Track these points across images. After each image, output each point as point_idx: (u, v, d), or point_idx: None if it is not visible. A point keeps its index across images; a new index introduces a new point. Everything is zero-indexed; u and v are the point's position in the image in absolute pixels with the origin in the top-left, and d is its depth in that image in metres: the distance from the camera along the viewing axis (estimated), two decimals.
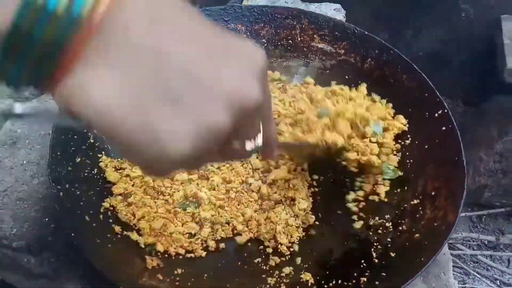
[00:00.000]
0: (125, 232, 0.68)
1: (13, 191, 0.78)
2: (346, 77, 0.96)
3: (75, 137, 0.74)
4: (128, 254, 0.65)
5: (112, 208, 0.71)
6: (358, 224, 0.75)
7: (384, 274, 0.62)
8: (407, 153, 0.82)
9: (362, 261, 0.67)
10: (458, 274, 1.04)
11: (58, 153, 0.70)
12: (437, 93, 0.82)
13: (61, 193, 0.65)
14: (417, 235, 0.67)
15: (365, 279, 0.63)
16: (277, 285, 0.66)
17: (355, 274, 0.64)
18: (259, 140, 0.39)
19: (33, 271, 0.75)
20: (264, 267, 0.69)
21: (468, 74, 1.42)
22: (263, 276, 0.68)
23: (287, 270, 0.68)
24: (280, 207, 0.76)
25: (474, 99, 1.44)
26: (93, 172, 0.74)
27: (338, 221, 0.77)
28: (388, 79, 0.91)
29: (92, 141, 0.77)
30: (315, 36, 1.00)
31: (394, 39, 0.92)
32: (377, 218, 0.75)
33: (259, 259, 0.70)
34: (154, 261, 0.65)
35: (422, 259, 0.61)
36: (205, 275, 0.67)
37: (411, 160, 0.81)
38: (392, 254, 0.66)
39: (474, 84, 1.43)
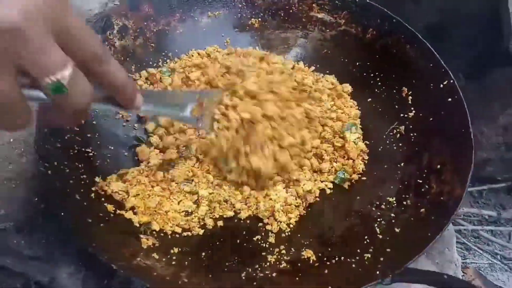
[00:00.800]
0: (118, 211, 0.65)
1: (1, 170, 0.74)
2: (347, 49, 0.92)
3: None
4: (122, 234, 0.62)
5: (104, 186, 0.67)
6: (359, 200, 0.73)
7: (389, 250, 0.60)
8: (410, 126, 0.79)
9: (366, 237, 0.65)
10: (459, 249, 1.03)
11: (45, 130, 0.66)
12: (443, 63, 0.79)
13: (49, 171, 0.62)
14: (422, 210, 0.65)
15: (369, 255, 0.60)
16: (277, 262, 0.63)
17: (358, 250, 0.62)
18: (55, 76, 0.36)
19: (23, 252, 0.72)
20: (264, 245, 0.67)
21: (469, 46, 1.38)
22: (263, 254, 0.65)
23: (287, 247, 0.66)
24: (280, 185, 0.73)
25: (476, 72, 1.40)
26: (83, 149, 0.71)
27: (339, 197, 0.75)
28: (390, 50, 0.87)
29: None
30: (314, 5, 0.95)
31: (393, 11, 0.88)
32: (379, 193, 0.73)
33: (258, 237, 0.68)
34: (150, 240, 0.62)
35: (429, 234, 0.58)
36: (203, 253, 0.64)
37: (415, 134, 0.78)
38: (397, 230, 0.64)
39: (476, 57, 1.38)
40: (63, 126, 0.64)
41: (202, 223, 0.69)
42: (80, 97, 0.39)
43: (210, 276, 0.59)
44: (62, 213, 0.57)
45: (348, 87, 0.88)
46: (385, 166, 0.77)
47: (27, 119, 0.39)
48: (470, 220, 1.11)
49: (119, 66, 0.44)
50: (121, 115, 0.80)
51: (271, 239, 0.67)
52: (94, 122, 0.76)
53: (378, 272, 0.55)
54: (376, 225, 0.67)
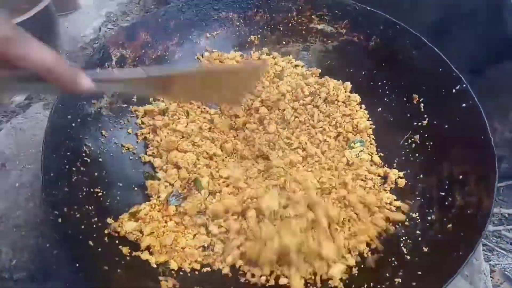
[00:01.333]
0: (134, 253, 0.63)
1: (8, 217, 0.72)
2: (351, 58, 0.90)
3: (68, 153, 0.68)
4: (140, 278, 0.60)
5: (117, 227, 0.65)
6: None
7: (420, 273, 0.57)
8: (426, 135, 0.77)
9: (393, 258, 0.62)
10: (482, 251, 1.00)
11: (52, 174, 0.64)
12: (453, 67, 0.76)
13: (60, 219, 0.59)
14: (449, 225, 0.62)
15: (399, 280, 0.58)
16: None
17: (387, 274, 0.59)
18: None
19: None
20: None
21: (472, 41, 1.35)
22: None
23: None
24: None
25: (480, 67, 1.37)
26: (91, 190, 0.68)
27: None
28: (396, 57, 0.84)
29: (84, 155, 0.70)
30: (313, 16, 0.93)
31: (391, 12, 0.86)
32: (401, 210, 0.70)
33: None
34: (169, 281, 0.60)
35: (460, 253, 0.55)
36: None
37: (431, 142, 0.75)
38: (425, 249, 0.61)
39: (479, 52, 1.35)
40: None
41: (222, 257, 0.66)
42: None
43: None
44: (77, 264, 0.55)
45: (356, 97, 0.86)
46: (403, 179, 0.74)
47: None
48: (490, 220, 1.08)
49: (44, 47, 0.42)
50: (126, 149, 0.78)
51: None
52: (101, 160, 0.73)
53: None
54: (402, 245, 0.64)
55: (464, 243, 0.57)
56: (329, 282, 0.61)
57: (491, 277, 0.89)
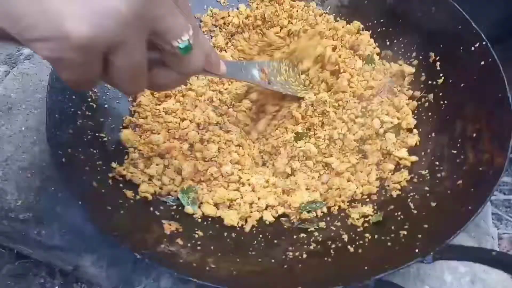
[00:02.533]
0: (137, 196, 0.63)
1: (14, 160, 0.72)
2: (367, 14, 0.87)
3: (73, 97, 0.67)
4: (143, 220, 0.60)
5: (122, 171, 0.65)
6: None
7: (426, 226, 0.56)
8: (440, 94, 0.74)
9: (399, 213, 0.61)
10: (490, 216, 0.98)
11: (57, 116, 0.63)
12: (473, 24, 0.73)
13: (64, 159, 0.59)
14: (459, 181, 0.60)
15: (404, 232, 0.57)
16: (307, 243, 0.60)
17: (393, 227, 0.59)
18: (185, 37, 0.38)
19: (45, 243, 0.70)
20: (292, 225, 0.64)
21: (493, 6, 1.29)
22: (291, 234, 0.62)
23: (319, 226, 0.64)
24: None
25: (501, 34, 1.31)
26: (96, 134, 0.68)
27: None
28: (414, 13, 0.81)
29: (90, 100, 0.70)
30: None
31: None
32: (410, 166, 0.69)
33: (285, 218, 0.65)
34: (172, 225, 0.60)
35: (470, 207, 0.54)
36: (228, 236, 0.62)
37: (445, 102, 0.73)
38: (433, 204, 0.60)
39: (500, 18, 1.30)
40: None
41: None
42: (199, 58, 0.42)
43: (237, 260, 0.56)
44: (80, 202, 0.55)
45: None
46: (415, 137, 0.72)
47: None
48: (501, 189, 1.06)
49: (204, 36, 0.47)
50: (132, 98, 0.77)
51: (299, 216, 0.64)
52: (106, 106, 0.72)
53: (417, 250, 0.51)
54: (409, 200, 0.63)
55: (474, 198, 0.56)
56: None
57: (498, 244, 0.88)
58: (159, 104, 0.76)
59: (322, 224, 0.64)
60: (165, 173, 0.67)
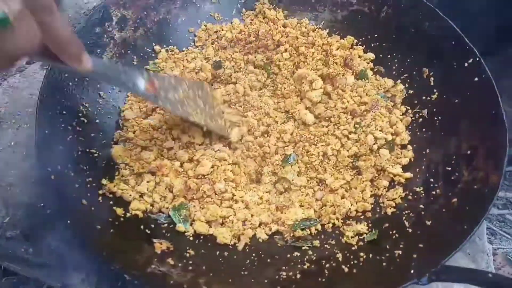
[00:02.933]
0: (128, 214, 0.62)
1: (3, 176, 0.71)
2: (360, 30, 0.87)
3: (64, 112, 0.66)
4: (134, 239, 0.58)
5: (112, 188, 0.64)
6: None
7: (422, 246, 0.55)
8: (434, 109, 0.74)
9: (394, 231, 0.61)
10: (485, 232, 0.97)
11: (46, 132, 0.62)
12: (466, 40, 0.73)
13: (53, 176, 0.58)
14: (454, 200, 0.60)
15: (400, 251, 0.56)
16: (301, 262, 0.59)
17: (387, 246, 0.58)
18: (4, 8, 0.34)
19: (32, 260, 0.68)
20: (285, 244, 0.63)
21: (484, 20, 1.30)
22: (284, 253, 0.61)
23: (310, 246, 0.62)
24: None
25: (492, 48, 1.32)
26: (87, 150, 0.66)
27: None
28: (408, 29, 0.81)
29: (81, 115, 0.68)
30: None
31: None
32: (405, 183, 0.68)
33: (279, 236, 0.64)
34: (163, 244, 0.59)
35: (465, 226, 0.53)
36: (220, 255, 0.61)
37: (439, 117, 0.72)
38: (428, 222, 0.59)
39: (491, 32, 1.31)
40: None
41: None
42: (25, 38, 0.38)
43: (230, 280, 0.55)
44: (69, 221, 0.53)
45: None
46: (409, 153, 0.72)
47: None
48: (495, 204, 1.06)
49: (66, 22, 0.44)
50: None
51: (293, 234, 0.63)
52: (98, 121, 0.71)
53: (412, 271, 0.50)
54: (404, 218, 0.62)
55: (469, 217, 0.55)
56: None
57: (493, 259, 0.87)
58: (146, 119, 0.75)
59: (316, 243, 0.63)
60: (156, 190, 0.66)
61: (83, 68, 0.49)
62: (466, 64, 0.71)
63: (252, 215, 0.66)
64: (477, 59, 0.70)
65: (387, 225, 0.63)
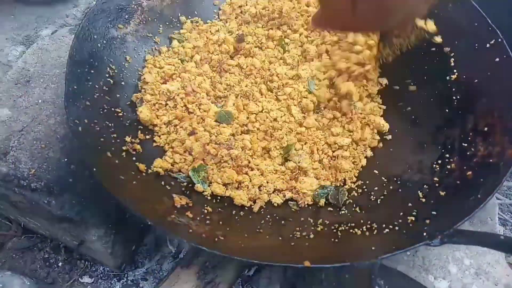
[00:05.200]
0: (150, 170, 0.64)
1: (29, 131, 0.73)
2: None
3: (92, 71, 0.68)
4: (155, 192, 0.60)
5: (136, 145, 0.66)
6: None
7: (435, 213, 0.56)
8: (453, 89, 0.74)
9: (407, 201, 0.62)
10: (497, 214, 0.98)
11: (75, 87, 0.64)
12: (489, 21, 0.73)
13: (80, 128, 0.60)
14: (469, 173, 0.61)
15: (412, 218, 0.57)
16: (314, 224, 0.61)
17: (401, 213, 0.59)
18: None
19: (54, 213, 0.71)
20: (300, 207, 0.65)
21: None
22: (299, 216, 0.63)
23: (323, 210, 0.64)
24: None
25: None
26: (112, 109, 0.69)
27: (374, 162, 0.72)
28: (431, 10, 0.81)
29: (108, 76, 0.71)
30: None
31: None
32: (419, 158, 0.69)
33: (294, 202, 0.66)
34: (183, 199, 0.60)
35: (479, 196, 0.54)
36: (236, 214, 0.63)
37: (458, 96, 0.73)
38: (442, 193, 0.60)
39: None
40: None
41: None
42: None
43: (245, 235, 0.57)
44: (94, 169, 0.56)
45: None
46: (426, 130, 0.73)
47: None
48: (507, 194, 1.06)
49: None
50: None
51: (307, 202, 0.65)
52: (123, 83, 0.74)
53: (425, 234, 0.52)
54: (418, 190, 0.63)
55: (484, 187, 0.56)
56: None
57: None
58: (164, 83, 0.77)
59: (330, 209, 0.64)
60: (176, 150, 0.68)
61: None
62: (487, 45, 0.72)
63: (267, 182, 0.68)
64: (499, 40, 0.71)
65: (400, 195, 0.64)
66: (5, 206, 0.79)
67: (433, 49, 0.79)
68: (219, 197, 0.65)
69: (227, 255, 0.48)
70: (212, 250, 0.48)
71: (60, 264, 0.90)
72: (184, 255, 0.84)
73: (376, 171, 0.71)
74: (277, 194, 0.68)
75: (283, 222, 0.62)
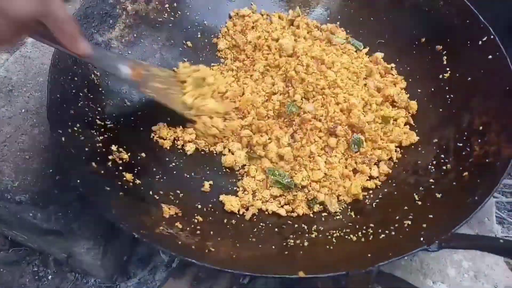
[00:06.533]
0: (137, 181, 0.61)
1: (13, 141, 0.71)
2: (373, 8, 0.86)
3: (75, 79, 0.66)
4: (142, 203, 0.58)
5: (123, 155, 0.64)
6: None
7: (431, 216, 0.55)
8: (446, 88, 0.73)
9: (403, 204, 0.60)
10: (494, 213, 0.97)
11: (58, 96, 0.62)
12: (481, 18, 0.72)
13: (63, 138, 0.58)
14: (465, 173, 0.59)
15: (409, 222, 0.55)
16: (308, 231, 0.59)
17: (397, 217, 0.57)
18: None
19: (40, 226, 0.69)
20: (293, 214, 0.63)
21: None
22: (292, 222, 0.61)
23: (317, 216, 0.62)
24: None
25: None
26: (97, 117, 0.66)
27: None
28: (422, 7, 0.80)
29: (92, 83, 0.69)
30: None
31: None
32: (414, 158, 0.68)
33: (287, 206, 0.64)
34: (172, 209, 0.58)
35: (476, 198, 0.53)
36: (227, 223, 0.61)
37: (451, 95, 0.72)
38: (438, 195, 0.59)
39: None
40: None
41: None
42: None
43: (237, 245, 0.55)
44: (79, 180, 0.53)
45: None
46: (420, 130, 0.71)
47: None
48: (503, 192, 1.05)
49: (62, 3, 0.45)
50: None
51: (300, 209, 0.63)
52: (108, 89, 0.71)
53: (422, 239, 0.50)
54: (414, 192, 0.62)
55: (480, 189, 0.54)
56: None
57: None
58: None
59: (324, 215, 0.62)
60: None
61: (80, 51, 0.51)
62: (480, 42, 0.71)
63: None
64: (492, 37, 0.70)
65: (396, 198, 0.62)
66: None
67: (427, 48, 0.78)
68: (210, 206, 0.63)
69: (218, 267, 0.46)
70: (202, 263, 0.46)
71: (49, 277, 0.88)
72: (177, 264, 0.82)
73: None
74: (271, 202, 0.66)
75: (276, 229, 0.60)
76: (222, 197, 0.64)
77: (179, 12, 0.84)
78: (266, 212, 0.64)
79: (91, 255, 0.77)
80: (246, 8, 0.89)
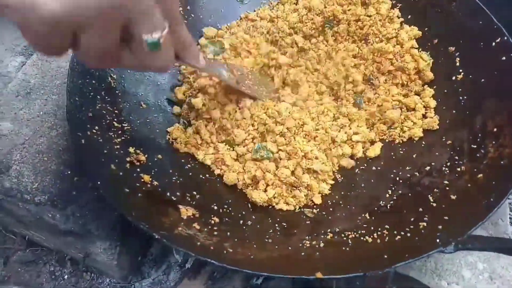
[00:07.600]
0: (155, 182, 0.63)
1: (32, 144, 0.72)
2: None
3: (93, 81, 0.67)
4: (160, 204, 0.59)
5: (140, 157, 0.65)
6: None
7: (447, 218, 0.55)
8: (460, 90, 0.73)
9: (418, 206, 0.61)
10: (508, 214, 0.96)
11: (77, 99, 0.63)
12: (494, 19, 0.72)
13: (83, 140, 0.59)
14: (480, 175, 0.59)
15: (424, 223, 0.56)
16: (324, 233, 0.60)
17: (412, 219, 0.58)
18: (156, 34, 0.40)
19: (59, 227, 0.70)
20: (308, 215, 0.64)
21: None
22: (308, 223, 0.62)
23: (333, 218, 0.63)
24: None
25: None
26: (115, 119, 0.68)
27: (382, 166, 0.71)
28: (434, 8, 0.80)
29: (109, 85, 0.70)
30: None
31: None
32: (428, 160, 0.68)
33: (302, 208, 0.65)
34: (189, 210, 0.59)
35: (491, 199, 0.53)
36: (244, 224, 0.61)
37: (465, 97, 0.72)
38: (453, 197, 0.59)
39: None
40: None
41: None
42: (169, 52, 0.44)
43: (254, 246, 0.56)
44: (99, 182, 0.55)
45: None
46: (433, 132, 0.72)
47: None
48: None
49: (186, 28, 0.49)
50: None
51: (315, 210, 0.64)
52: (125, 91, 0.73)
53: (438, 240, 0.50)
54: (429, 194, 0.62)
55: (495, 190, 0.55)
56: None
57: None
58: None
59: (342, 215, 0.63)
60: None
61: (201, 66, 0.57)
62: (493, 44, 0.71)
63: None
64: (505, 38, 0.70)
65: (410, 200, 0.63)
66: (9, 220, 0.78)
67: (439, 50, 0.78)
68: (225, 207, 0.64)
69: (237, 268, 0.47)
70: (222, 264, 0.47)
71: (66, 277, 0.89)
72: (191, 265, 0.83)
73: (384, 175, 0.70)
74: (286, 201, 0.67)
75: (292, 231, 0.61)
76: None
77: (192, 15, 0.85)
78: (283, 210, 0.65)
79: (107, 255, 0.78)
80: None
